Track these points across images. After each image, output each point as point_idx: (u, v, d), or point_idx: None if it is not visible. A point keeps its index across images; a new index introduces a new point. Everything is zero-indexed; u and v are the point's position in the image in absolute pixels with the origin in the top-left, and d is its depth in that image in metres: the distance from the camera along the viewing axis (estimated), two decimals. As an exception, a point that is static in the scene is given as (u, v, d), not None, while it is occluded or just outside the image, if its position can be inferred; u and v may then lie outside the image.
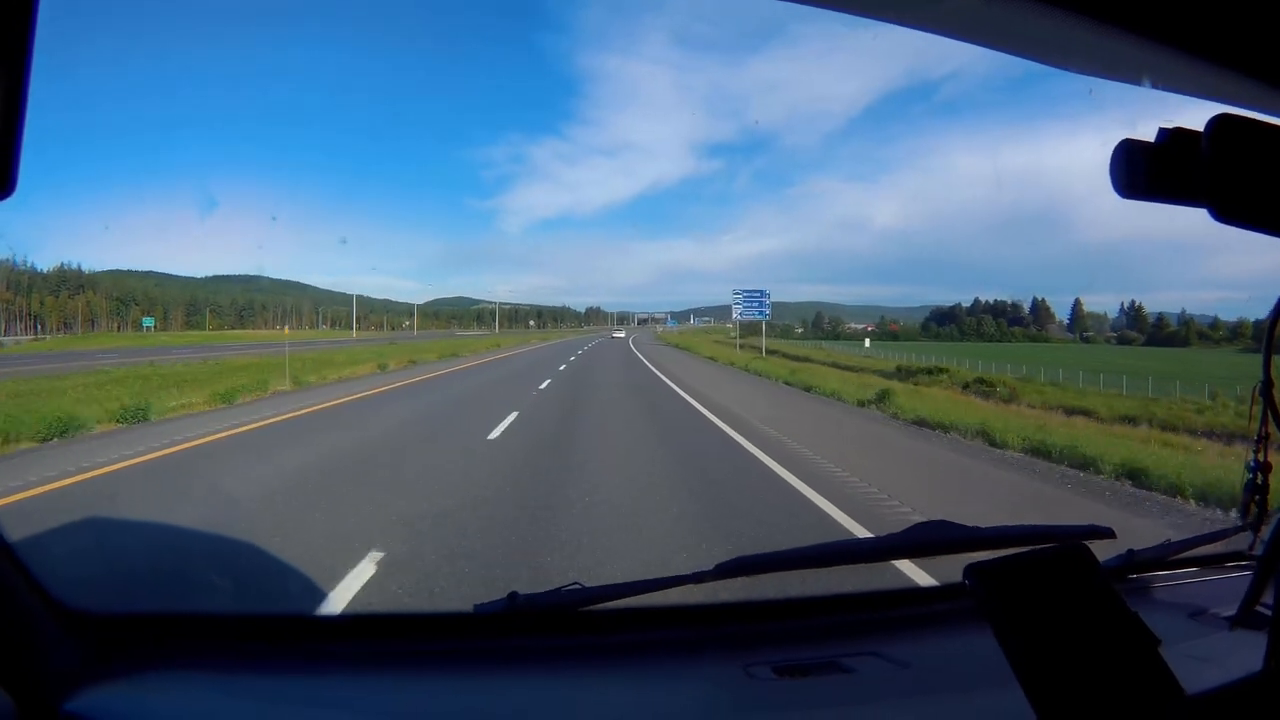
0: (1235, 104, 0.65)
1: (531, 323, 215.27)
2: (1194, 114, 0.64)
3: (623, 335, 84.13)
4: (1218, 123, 0.59)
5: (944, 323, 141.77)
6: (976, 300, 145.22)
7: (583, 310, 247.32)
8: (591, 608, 1.07)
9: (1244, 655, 0.90)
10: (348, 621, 1.30)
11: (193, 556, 3.92)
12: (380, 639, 1.11)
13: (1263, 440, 1.01)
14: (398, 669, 1.02)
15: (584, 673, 1.04)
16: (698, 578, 1.04)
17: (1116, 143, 0.66)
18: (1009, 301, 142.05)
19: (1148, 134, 0.65)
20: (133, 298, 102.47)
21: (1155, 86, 0.70)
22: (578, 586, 1.06)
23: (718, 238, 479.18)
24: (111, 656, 0.96)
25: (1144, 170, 0.65)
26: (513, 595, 1.05)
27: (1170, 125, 0.65)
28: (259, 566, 3.63)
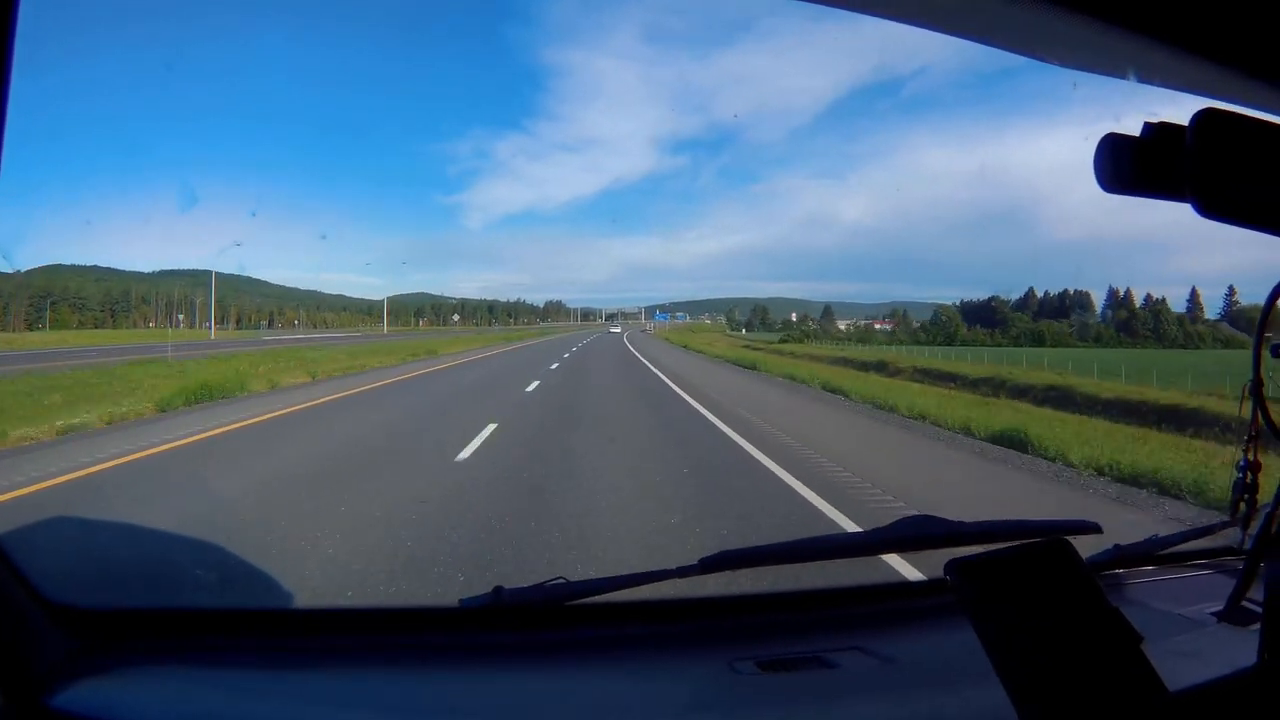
0: (1220, 98, 0.67)
1: (455, 317, 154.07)
2: (1176, 108, 0.65)
3: (619, 331, 77.13)
4: (1203, 117, 0.61)
5: (988, 322, 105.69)
6: (1030, 292, 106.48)
7: (541, 305, 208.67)
8: (577, 602, 1.09)
9: (1231, 651, 0.93)
10: (334, 615, 1.32)
11: (178, 551, 3.85)
12: (366, 633, 1.14)
13: (1253, 439, 1.05)
14: (383, 663, 1.04)
15: (569, 667, 1.06)
16: (681, 572, 1.07)
17: (1100, 137, 0.68)
18: (1079, 292, 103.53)
19: (1126, 129, 0.67)
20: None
21: (1140, 80, 0.71)
22: (562, 581, 1.08)
23: (683, 234, 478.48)
24: (97, 651, 0.98)
25: (1129, 165, 0.66)
26: (498, 590, 1.07)
27: (1155, 119, 0.66)
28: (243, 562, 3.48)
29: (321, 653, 1.07)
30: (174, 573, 3.41)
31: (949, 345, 74.86)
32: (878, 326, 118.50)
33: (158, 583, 3.19)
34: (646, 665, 1.09)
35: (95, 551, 3.65)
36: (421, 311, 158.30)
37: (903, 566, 3.37)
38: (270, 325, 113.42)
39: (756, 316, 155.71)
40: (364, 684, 1.00)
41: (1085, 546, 0.96)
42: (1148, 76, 0.71)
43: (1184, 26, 0.63)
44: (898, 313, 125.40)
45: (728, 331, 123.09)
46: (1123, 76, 0.72)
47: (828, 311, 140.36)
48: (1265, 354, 1.00)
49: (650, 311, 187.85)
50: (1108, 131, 0.67)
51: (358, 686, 1.00)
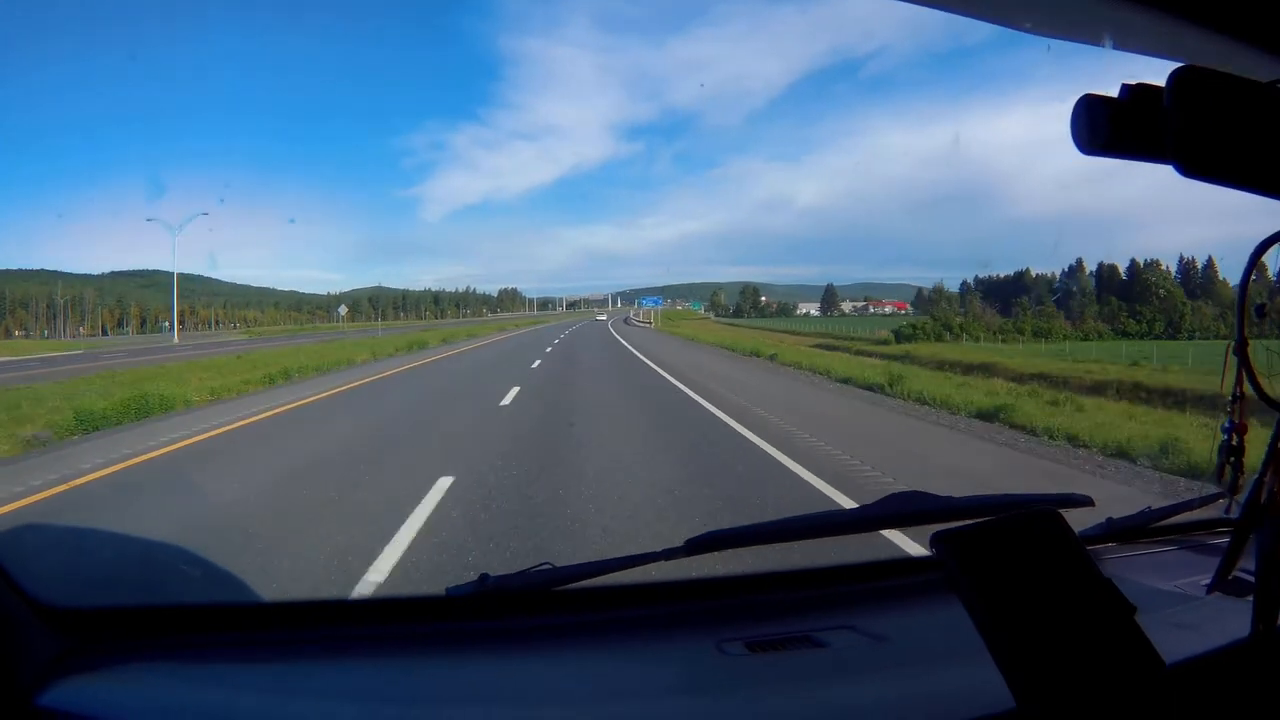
0: (1196, 62, 0.67)
1: (343, 309, 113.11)
2: (1150, 77, 0.65)
3: (604, 319, 70.90)
4: (1180, 76, 0.61)
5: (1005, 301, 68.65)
6: (1079, 262, 70.57)
7: (495, 294, 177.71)
8: (563, 588, 1.10)
9: (1226, 622, 0.94)
10: (320, 608, 1.32)
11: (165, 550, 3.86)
12: (353, 624, 1.15)
13: (1237, 400, 1.03)
14: (371, 653, 1.05)
15: (556, 652, 1.07)
16: (668, 555, 1.07)
17: (1077, 98, 0.67)
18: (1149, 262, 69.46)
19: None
20: None
21: (1116, 46, 0.71)
22: (549, 566, 1.09)
23: (642, 220, 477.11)
24: (85, 650, 0.99)
25: (1106, 126, 0.65)
26: (484, 577, 1.08)
27: (1133, 81, 0.66)
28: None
29: (308, 645, 1.08)
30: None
31: (1174, 337, 45.18)
32: (887, 310, 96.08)
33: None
34: (634, 648, 1.10)
35: (84, 549, 3.66)
36: (362, 305, 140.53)
37: (900, 541, 3.42)
38: (182, 326, 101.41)
39: (747, 300, 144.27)
40: (351, 674, 1.01)
41: (1077, 520, 0.96)
42: (1123, 41, 0.71)
43: None
44: (938, 291, 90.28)
45: (713, 318, 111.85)
46: (1098, 43, 0.72)
47: (829, 292, 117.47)
48: (1250, 312, 1.00)
49: (615, 299, 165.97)
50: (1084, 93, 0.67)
51: (345, 677, 1.01)
